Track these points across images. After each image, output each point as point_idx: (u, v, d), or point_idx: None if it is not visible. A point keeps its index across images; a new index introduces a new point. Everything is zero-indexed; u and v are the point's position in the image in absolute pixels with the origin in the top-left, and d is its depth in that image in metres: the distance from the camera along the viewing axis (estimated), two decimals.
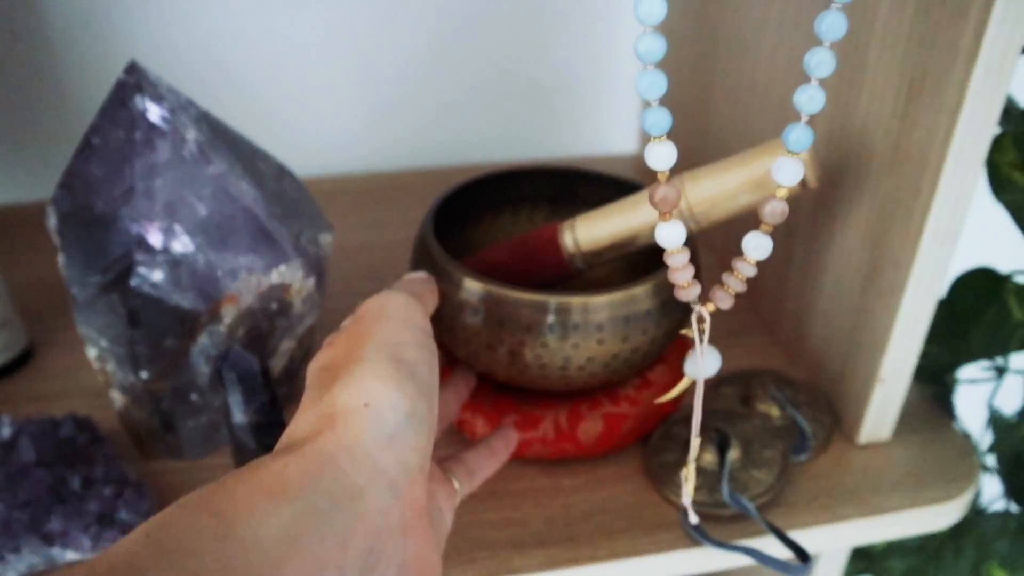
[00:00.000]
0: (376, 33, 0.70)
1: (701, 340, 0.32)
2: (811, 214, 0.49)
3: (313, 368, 0.31)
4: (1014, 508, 0.56)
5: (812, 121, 0.48)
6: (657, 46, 0.25)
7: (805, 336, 0.51)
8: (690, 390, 0.37)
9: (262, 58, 0.70)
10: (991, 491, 0.60)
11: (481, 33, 0.72)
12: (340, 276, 0.61)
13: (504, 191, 0.51)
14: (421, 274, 0.37)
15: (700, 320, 0.32)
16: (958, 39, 0.36)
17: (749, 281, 0.59)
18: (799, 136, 0.27)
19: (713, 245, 0.64)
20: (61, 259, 0.41)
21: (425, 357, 0.31)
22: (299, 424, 0.28)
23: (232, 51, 0.69)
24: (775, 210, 0.29)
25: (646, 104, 0.27)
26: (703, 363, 0.32)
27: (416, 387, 0.29)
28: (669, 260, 0.30)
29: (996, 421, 0.55)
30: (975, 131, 0.37)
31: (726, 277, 0.31)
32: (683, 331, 0.32)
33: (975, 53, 0.35)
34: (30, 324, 0.55)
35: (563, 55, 0.75)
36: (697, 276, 0.40)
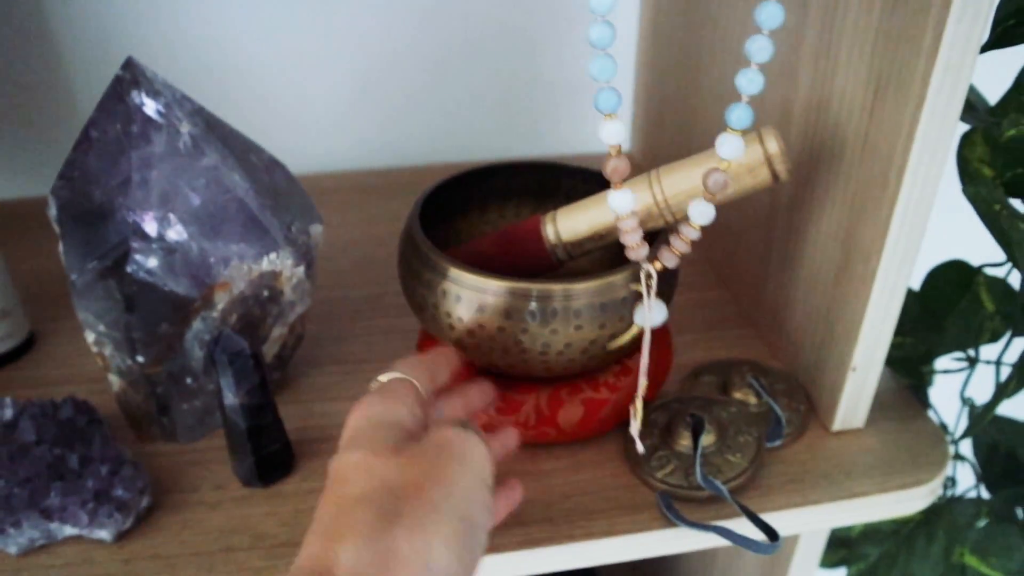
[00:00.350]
0: (373, 34, 0.72)
1: (648, 294, 0.35)
2: (788, 209, 0.50)
3: (377, 472, 0.29)
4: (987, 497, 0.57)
5: (788, 118, 0.50)
6: (608, 34, 0.27)
7: (784, 327, 0.53)
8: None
9: (260, 58, 0.71)
10: (968, 481, 0.61)
11: (479, 33, 0.74)
12: (335, 269, 0.63)
13: (491, 185, 0.53)
14: (514, 438, 0.38)
15: (648, 276, 0.35)
16: (920, 37, 0.37)
17: (733, 275, 0.61)
18: (740, 115, 0.30)
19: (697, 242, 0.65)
20: (61, 247, 0.43)
21: (486, 521, 0.31)
22: (349, 552, 0.26)
23: (230, 51, 0.71)
24: (717, 180, 0.31)
25: (600, 86, 0.29)
26: (650, 314, 0.36)
27: (472, 556, 0.29)
28: (621, 224, 0.33)
29: (973, 411, 0.56)
30: (938, 125, 0.38)
31: (672, 239, 0.34)
32: (633, 285, 0.36)
33: (935, 50, 0.36)
34: (33, 314, 0.57)
35: (559, 55, 0.76)
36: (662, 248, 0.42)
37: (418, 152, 0.79)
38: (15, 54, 0.68)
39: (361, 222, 0.69)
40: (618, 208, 0.33)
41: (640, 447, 0.41)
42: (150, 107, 0.42)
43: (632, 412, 0.39)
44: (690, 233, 0.34)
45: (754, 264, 0.56)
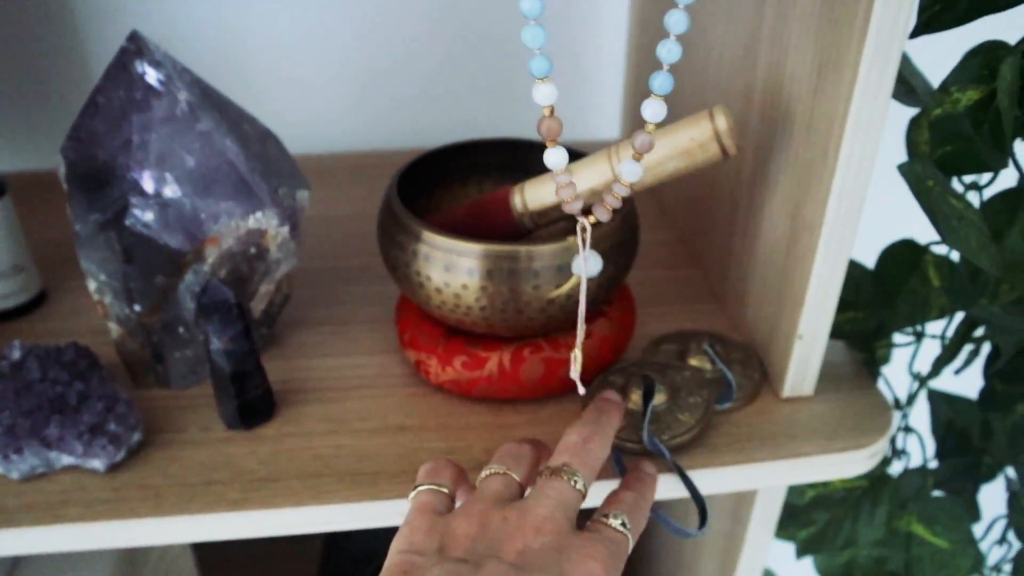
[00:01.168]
0: (369, 22, 0.76)
1: (584, 246, 0.39)
2: (750, 187, 0.53)
3: None
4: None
5: (750, 101, 0.53)
6: (538, 6, 0.31)
7: (744, 301, 0.56)
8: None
9: (261, 39, 0.75)
10: (921, 455, 0.63)
11: (471, 19, 0.77)
12: (327, 240, 0.66)
13: (470, 161, 0.56)
14: None
15: (583, 229, 0.39)
16: (853, 20, 0.40)
17: (704, 253, 0.64)
18: (662, 82, 0.34)
19: (675, 223, 0.68)
20: (68, 202, 0.47)
21: None
22: None
23: (233, 33, 0.75)
24: (643, 141, 0.35)
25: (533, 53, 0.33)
26: (585, 264, 0.40)
27: None
28: (556, 179, 0.38)
29: (930, 392, 0.58)
30: (869, 104, 0.41)
31: (605, 195, 0.37)
32: (569, 238, 0.40)
33: (864, 33, 0.39)
34: (45, 275, 0.61)
35: (550, 44, 0.79)
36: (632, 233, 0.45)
37: (414, 135, 0.82)
38: (36, 36, 0.73)
39: (354, 199, 0.73)
40: (552, 164, 0.36)
41: (581, 389, 0.44)
42: (152, 76, 0.46)
43: (572, 358, 0.42)
44: (620, 190, 0.37)
45: (722, 241, 0.59)
